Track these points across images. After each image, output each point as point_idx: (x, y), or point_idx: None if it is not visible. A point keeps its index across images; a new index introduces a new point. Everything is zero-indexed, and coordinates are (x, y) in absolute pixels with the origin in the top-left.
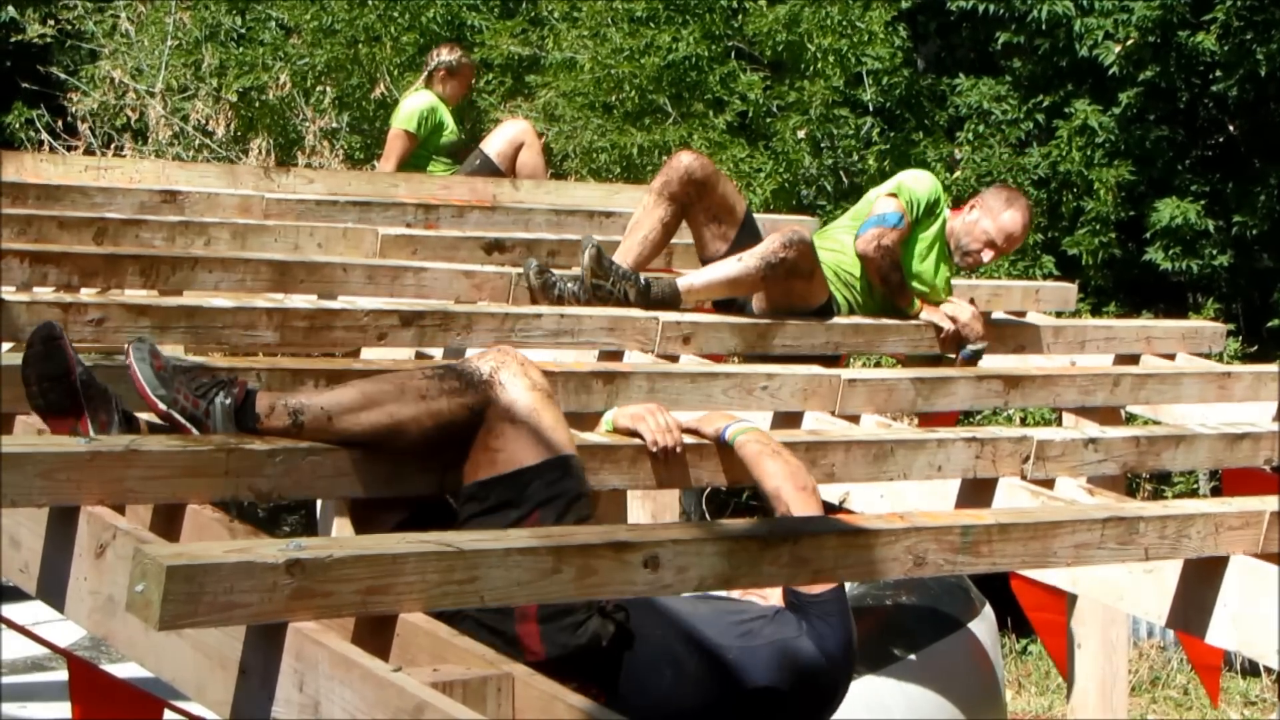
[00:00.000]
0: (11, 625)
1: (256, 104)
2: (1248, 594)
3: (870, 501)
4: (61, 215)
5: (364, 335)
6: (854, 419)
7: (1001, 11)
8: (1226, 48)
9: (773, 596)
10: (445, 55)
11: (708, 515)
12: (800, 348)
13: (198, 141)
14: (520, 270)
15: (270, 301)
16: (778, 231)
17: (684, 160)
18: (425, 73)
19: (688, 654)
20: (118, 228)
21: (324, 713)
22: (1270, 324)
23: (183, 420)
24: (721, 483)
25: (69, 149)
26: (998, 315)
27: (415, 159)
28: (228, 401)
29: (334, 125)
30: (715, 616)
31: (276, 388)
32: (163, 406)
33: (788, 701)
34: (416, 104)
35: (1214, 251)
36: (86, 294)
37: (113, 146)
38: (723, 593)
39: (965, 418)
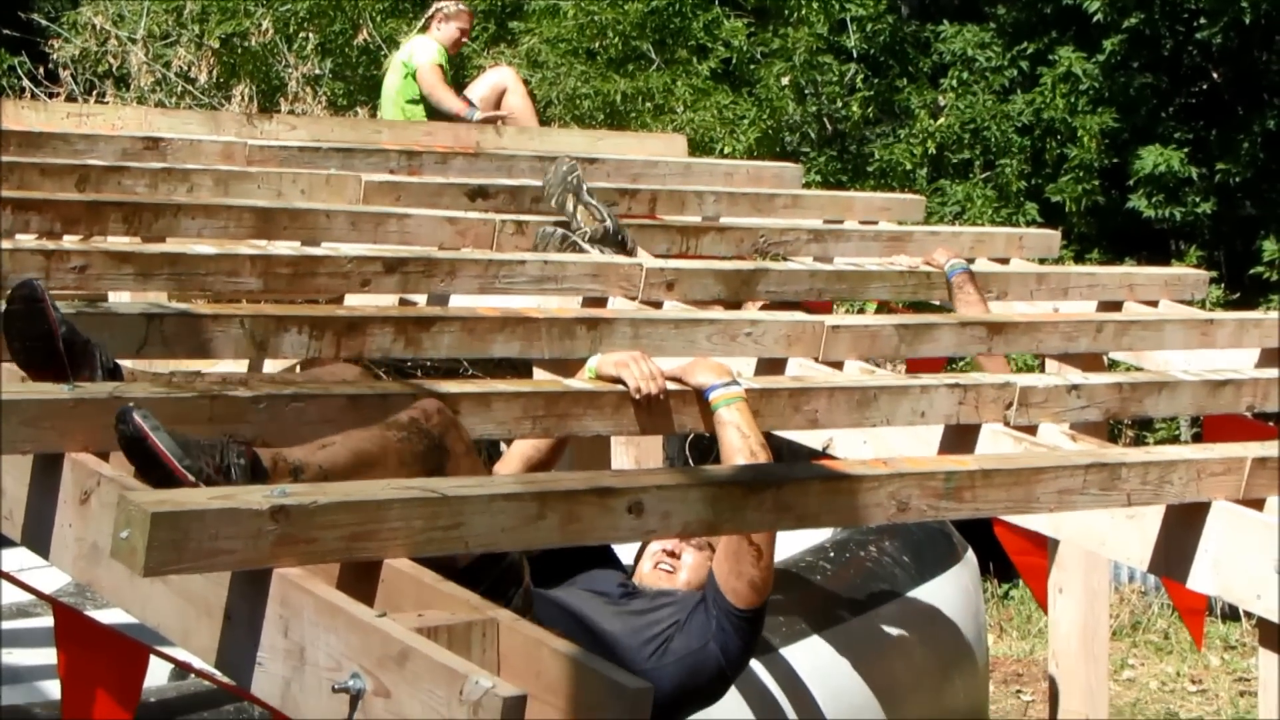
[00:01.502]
0: None
1: (239, 50)
2: (1229, 540)
3: (853, 447)
4: (43, 162)
5: (347, 282)
6: (837, 365)
7: None
8: None
9: (684, 570)
10: (446, 2)
11: (691, 461)
12: (784, 294)
13: (180, 88)
14: (503, 218)
15: (253, 248)
16: None
17: None
18: (425, 19)
19: None
20: (100, 175)
21: (309, 658)
22: (1253, 271)
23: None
24: (705, 429)
25: (50, 96)
26: (981, 262)
27: (420, 104)
28: (242, 462)
29: (317, 71)
30: (628, 635)
31: (260, 336)
32: (191, 478)
33: (684, 706)
34: (429, 44)
35: (1197, 199)
36: (69, 241)
37: (95, 93)
38: (637, 593)
39: (950, 364)
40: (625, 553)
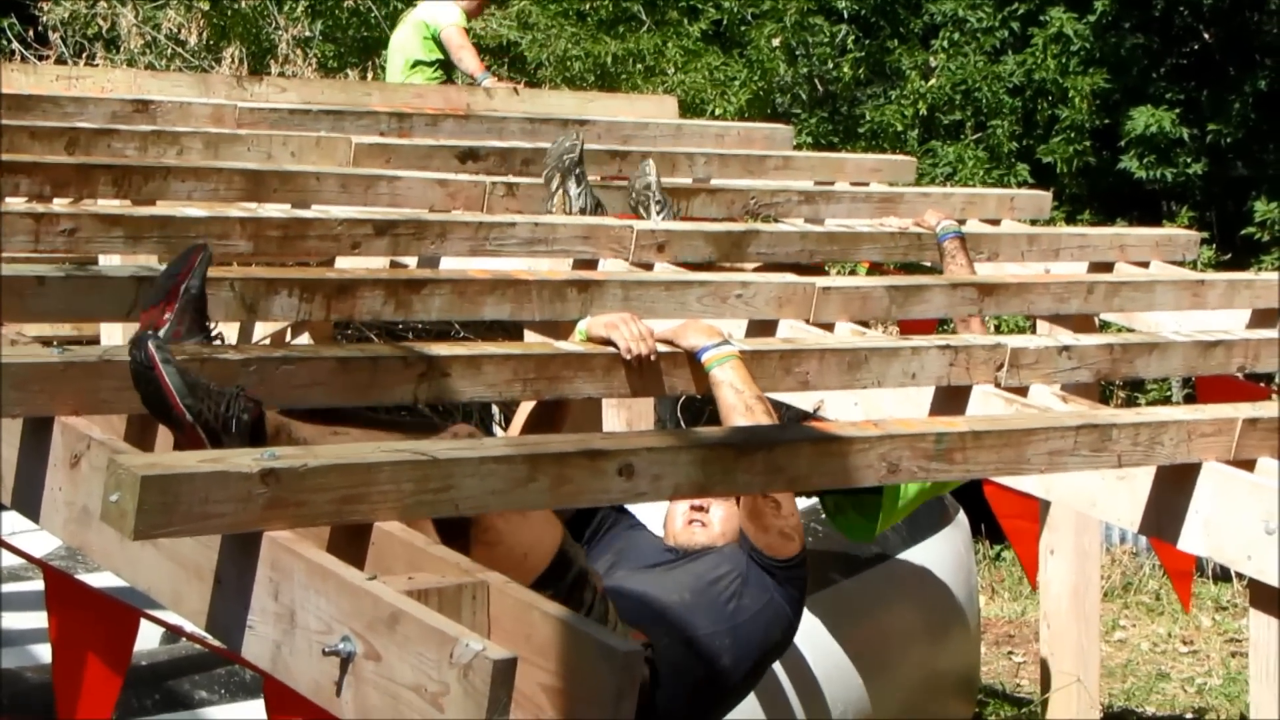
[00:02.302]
0: None
1: (229, 12)
2: (1219, 500)
3: (845, 409)
4: (33, 125)
5: (338, 244)
6: (828, 327)
7: None
8: None
9: (715, 522)
10: None
11: (683, 423)
12: (776, 255)
13: (170, 51)
14: (493, 180)
15: (244, 211)
16: None
17: None
18: None
19: (693, 659)
20: (89, 138)
21: (299, 621)
22: (1244, 232)
23: (202, 434)
24: (697, 391)
25: (40, 58)
26: (972, 223)
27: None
28: (245, 418)
29: (307, 34)
30: (702, 602)
31: (250, 299)
32: (189, 417)
33: (768, 661)
34: (450, 7)
35: (1188, 160)
36: (58, 204)
37: (84, 56)
38: (682, 555)
39: (941, 326)
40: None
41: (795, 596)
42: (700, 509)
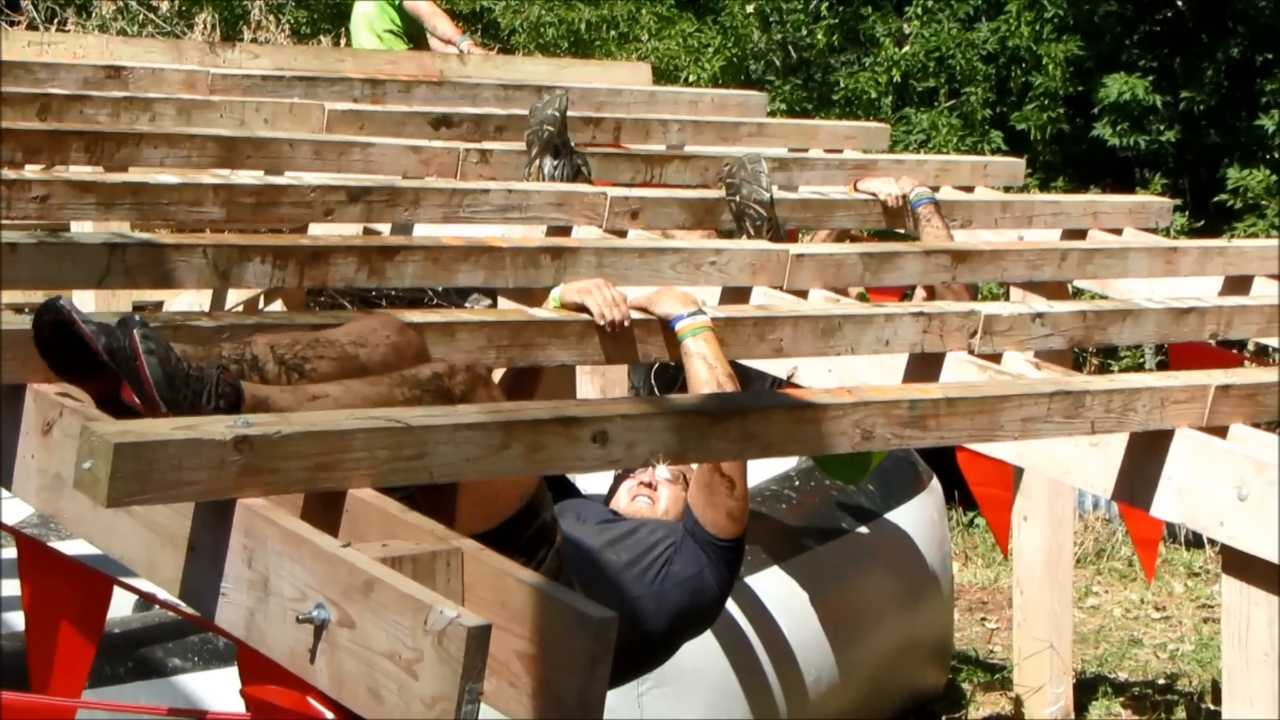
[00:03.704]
0: None
1: None
2: (1192, 467)
3: (818, 376)
4: (4, 91)
5: (311, 211)
6: (802, 294)
7: None
8: None
9: (662, 500)
10: None
11: (657, 390)
12: None
13: (142, 16)
14: (467, 147)
15: (216, 178)
16: None
17: None
18: None
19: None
20: (61, 104)
21: (273, 589)
22: (1217, 199)
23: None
24: (670, 359)
25: (11, 24)
26: (946, 190)
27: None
28: (222, 404)
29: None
30: (631, 561)
31: (223, 266)
32: (165, 410)
33: (686, 630)
34: None
35: (1161, 127)
36: (30, 171)
37: (56, 21)
38: (624, 519)
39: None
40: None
41: (726, 577)
42: (650, 485)
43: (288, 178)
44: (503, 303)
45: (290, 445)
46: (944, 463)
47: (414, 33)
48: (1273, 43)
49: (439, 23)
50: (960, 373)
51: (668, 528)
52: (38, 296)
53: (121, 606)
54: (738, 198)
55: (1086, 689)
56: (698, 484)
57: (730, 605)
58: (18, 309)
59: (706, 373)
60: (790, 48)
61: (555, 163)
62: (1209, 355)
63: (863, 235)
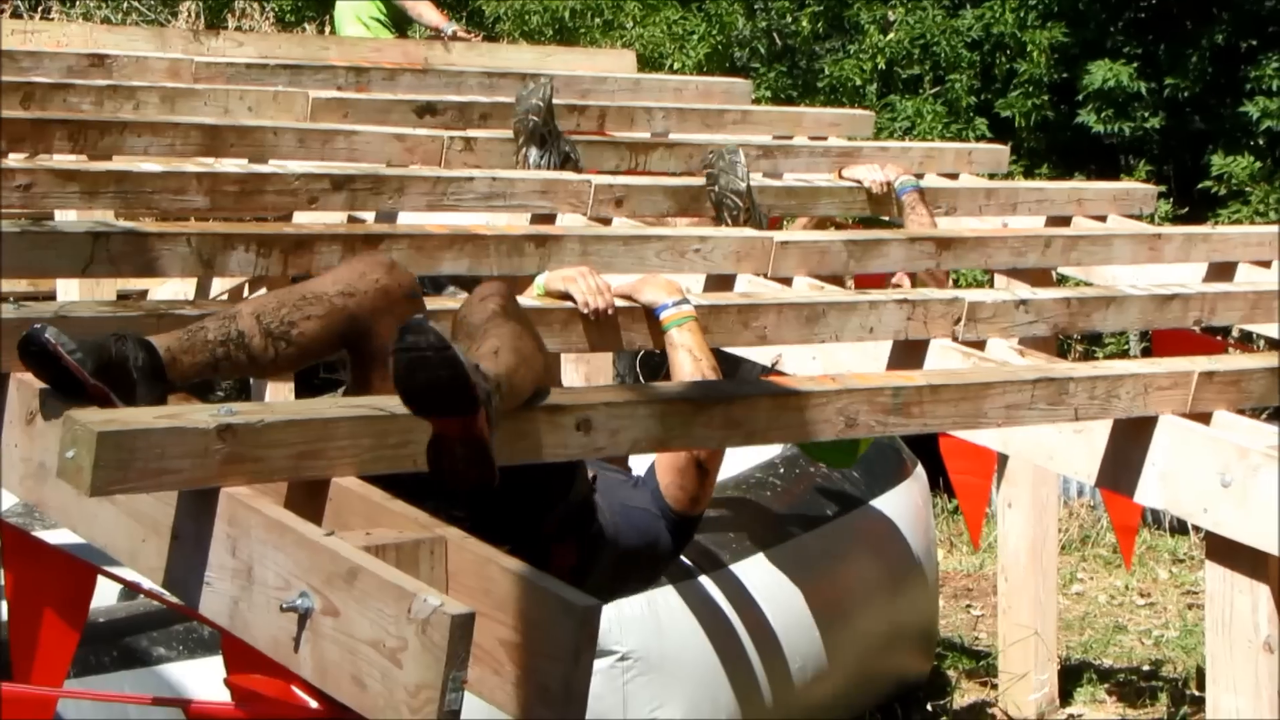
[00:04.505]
0: None
1: None
2: (1176, 453)
3: (802, 363)
4: None
5: (295, 199)
6: (786, 281)
7: None
8: None
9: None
10: None
11: (641, 378)
12: None
13: (126, 4)
14: (451, 135)
15: (200, 166)
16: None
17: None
18: None
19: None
20: (45, 92)
21: (257, 577)
22: (1201, 185)
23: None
24: (655, 347)
25: None
26: (930, 177)
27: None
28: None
29: None
30: (612, 483)
31: (208, 254)
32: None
33: (635, 563)
34: None
35: (1146, 114)
36: (14, 159)
37: (39, 10)
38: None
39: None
40: None
41: (676, 544)
42: None
43: (272, 166)
44: None
45: (274, 434)
46: (929, 450)
47: (400, 21)
48: (1257, 29)
49: (424, 10)
50: (944, 360)
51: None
52: (22, 285)
53: (106, 595)
54: (716, 188)
55: (1071, 675)
56: (670, 462)
57: (714, 592)
58: (1, 298)
59: (691, 365)
60: (775, 35)
61: (540, 153)
62: (1193, 342)
63: (847, 222)
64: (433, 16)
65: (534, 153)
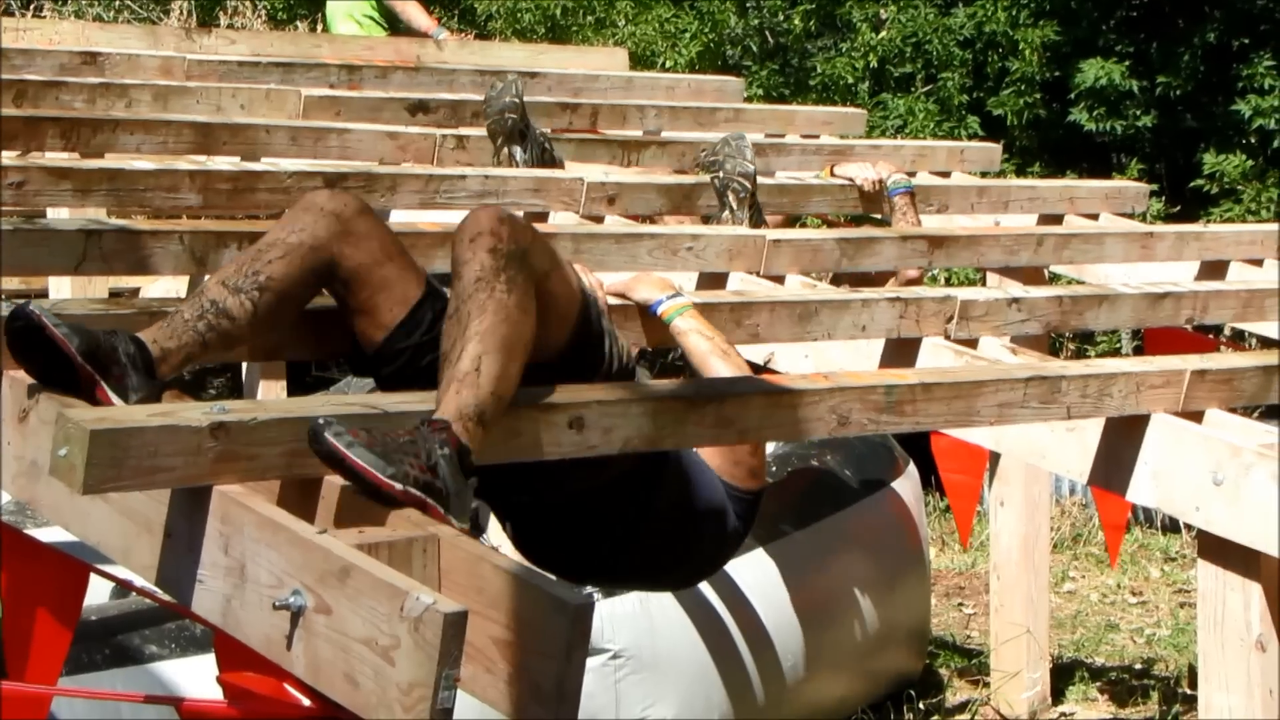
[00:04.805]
0: None
1: None
2: (1168, 452)
3: (795, 362)
4: None
5: (288, 197)
6: (779, 279)
7: None
8: None
9: None
10: None
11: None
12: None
13: (118, 3)
14: (444, 133)
15: (193, 164)
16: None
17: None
18: None
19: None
20: (37, 90)
21: (250, 575)
22: (1193, 184)
23: (421, 495)
24: (648, 344)
25: None
26: (922, 176)
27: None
28: (446, 451)
29: None
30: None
31: (200, 252)
32: (400, 487)
33: (718, 544)
34: None
35: (1138, 112)
36: (6, 157)
37: (32, 7)
38: None
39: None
40: None
41: (742, 522)
42: None
43: (264, 164)
44: None
45: (266, 431)
46: (921, 448)
47: (393, 19)
48: (1249, 27)
49: (413, 14)
50: (937, 358)
51: None
52: (14, 283)
53: (98, 594)
54: (721, 173)
55: (1063, 674)
56: (719, 448)
57: (707, 590)
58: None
59: (706, 344)
60: (767, 33)
61: (524, 151)
62: (1185, 340)
63: (839, 220)
64: (422, 20)
65: (518, 151)
